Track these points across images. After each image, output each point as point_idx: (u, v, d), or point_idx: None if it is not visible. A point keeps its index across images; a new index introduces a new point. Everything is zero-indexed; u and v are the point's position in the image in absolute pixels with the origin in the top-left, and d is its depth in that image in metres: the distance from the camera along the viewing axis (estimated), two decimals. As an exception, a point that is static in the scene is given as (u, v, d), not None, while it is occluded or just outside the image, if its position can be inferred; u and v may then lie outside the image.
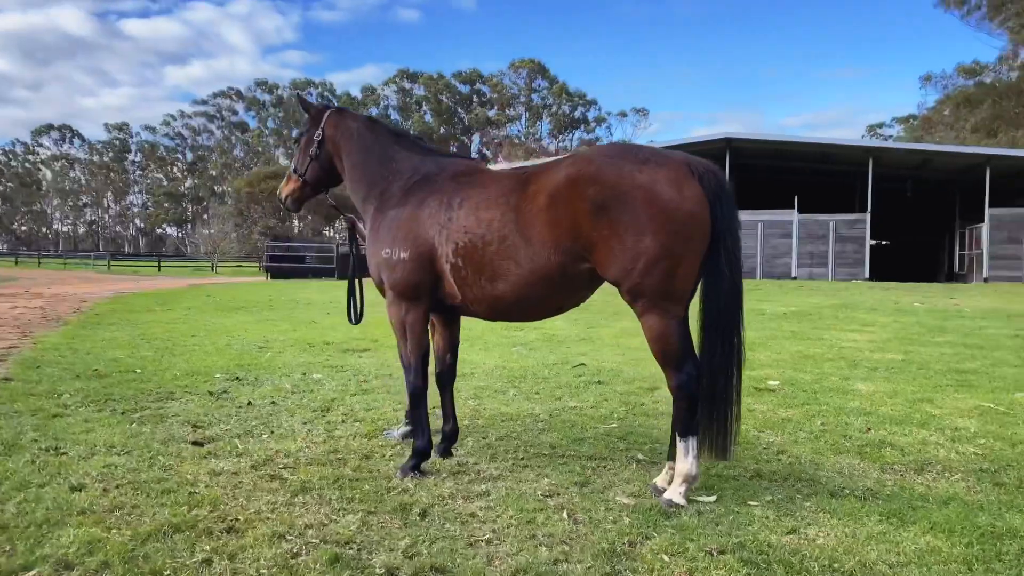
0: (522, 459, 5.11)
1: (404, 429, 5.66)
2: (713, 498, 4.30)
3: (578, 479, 4.66)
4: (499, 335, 11.78)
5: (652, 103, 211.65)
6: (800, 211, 31.81)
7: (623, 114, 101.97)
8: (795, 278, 31.61)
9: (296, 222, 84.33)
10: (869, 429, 5.85)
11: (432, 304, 4.81)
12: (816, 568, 3.38)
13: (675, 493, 4.22)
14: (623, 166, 4.16)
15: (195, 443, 5.44)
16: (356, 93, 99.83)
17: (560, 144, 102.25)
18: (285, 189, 5.54)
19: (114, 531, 3.77)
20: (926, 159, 30.18)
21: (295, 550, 3.56)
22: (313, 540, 3.68)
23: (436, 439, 5.26)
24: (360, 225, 5.74)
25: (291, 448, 5.32)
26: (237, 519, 3.94)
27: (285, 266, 38.25)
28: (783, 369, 8.67)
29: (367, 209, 5.10)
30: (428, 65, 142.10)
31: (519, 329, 12.49)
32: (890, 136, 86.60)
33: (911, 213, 41.01)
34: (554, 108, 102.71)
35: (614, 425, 6.05)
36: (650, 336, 4.22)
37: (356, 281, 5.72)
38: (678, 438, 4.28)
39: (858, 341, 11.25)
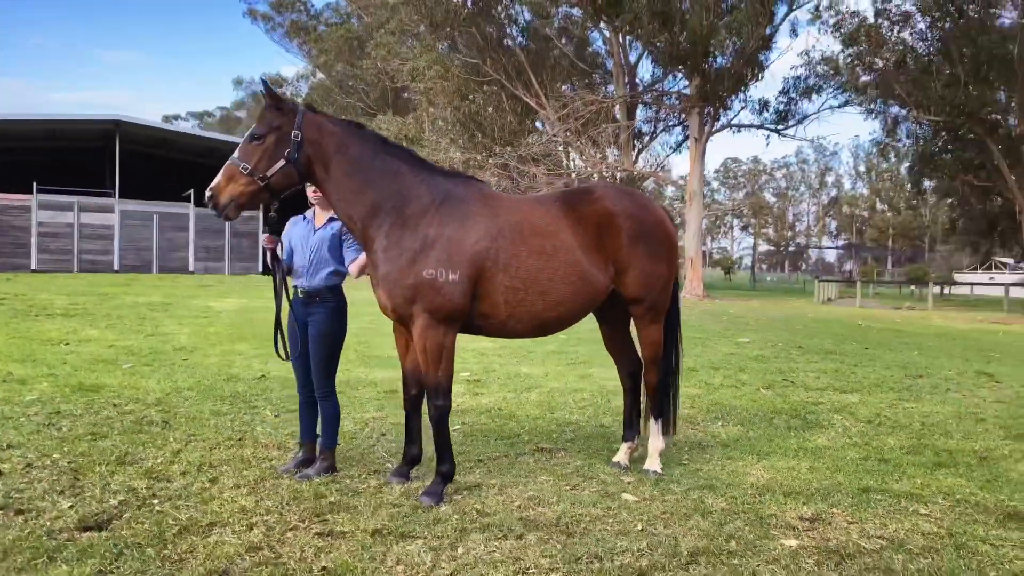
0: (471, 468, 5.38)
1: (321, 464, 5.15)
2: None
3: (567, 471, 5.35)
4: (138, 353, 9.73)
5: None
6: (196, 204, 31.33)
7: None
8: (192, 272, 31.13)
9: None
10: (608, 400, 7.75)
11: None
12: (822, 489, 5.09)
13: (655, 464, 5.39)
14: (641, 203, 5.16)
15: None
16: None
17: None
18: (229, 190, 4.45)
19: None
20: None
21: None
22: (549, 568, 3.76)
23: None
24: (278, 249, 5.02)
25: (248, 505, 4.46)
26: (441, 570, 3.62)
27: None
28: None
29: (376, 224, 4.63)
30: None
31: (126, 340, 10.47)
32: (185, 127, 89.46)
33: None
34: None
35: (458, 427, 6.53)
36: (648, 341, 5.31)
37: (282, 310, 4.98)
38: (652, 421, 5.47)
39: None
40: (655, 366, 5.41)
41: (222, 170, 4.52)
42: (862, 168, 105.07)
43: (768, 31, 36.17)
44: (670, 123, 46.73)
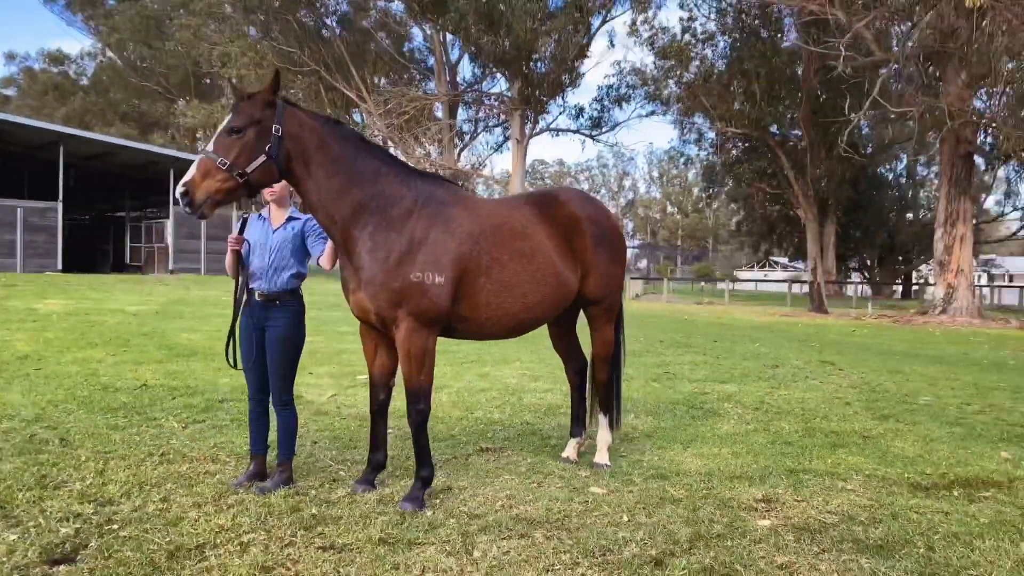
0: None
1: (279, 477, 4.91)
2: (603, 457, 5.86)
3: (521, 469, 5.45)
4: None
5: None
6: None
7: None
8: (-23, 269, 27.27)
9: None
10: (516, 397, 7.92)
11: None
12: (756, 472, 5.56)
13: (603, 457, 5.65)
14: (601, 208, 5.39)
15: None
16: None
17: None
18: (205, 186, 4.11)
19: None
20: (107, 151, 30.56)
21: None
22: (572, 563, 3.88)
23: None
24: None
25: (225, 524, 4.18)
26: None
27: None
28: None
29: (360, 225, 4.46)
30: None
31: None
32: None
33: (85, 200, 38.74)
34: None
35: (392, 429, 6.40)
36: (603, 340, 5.55)
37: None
38: (600, 416, 5.70)
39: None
40: (606, 364, 5.64)
41: (195, 164, 4.19)
42: (656, 174, 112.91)
43: (584, 40, 38.08)
44: (491, 123, 47.78)
